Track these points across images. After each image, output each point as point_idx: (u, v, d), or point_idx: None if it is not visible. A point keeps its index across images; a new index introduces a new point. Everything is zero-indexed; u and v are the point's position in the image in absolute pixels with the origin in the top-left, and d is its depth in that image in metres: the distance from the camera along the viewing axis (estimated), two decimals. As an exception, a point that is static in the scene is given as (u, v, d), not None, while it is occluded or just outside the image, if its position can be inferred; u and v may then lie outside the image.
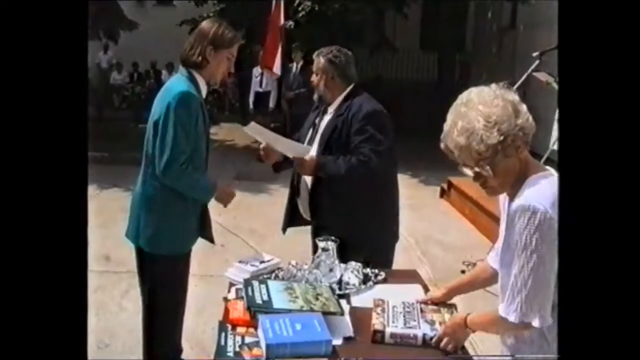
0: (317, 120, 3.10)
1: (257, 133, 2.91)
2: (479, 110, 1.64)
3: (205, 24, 2.76)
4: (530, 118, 1.68)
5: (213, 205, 2.85)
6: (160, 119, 2.62)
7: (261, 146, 2.99)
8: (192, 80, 2.69)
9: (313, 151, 2.95)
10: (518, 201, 1.65)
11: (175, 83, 2.70)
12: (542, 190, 1.64)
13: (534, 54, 4.48)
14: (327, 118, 3.03)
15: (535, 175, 1.71)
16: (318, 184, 2.97)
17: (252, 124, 2.89)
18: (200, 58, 2.68)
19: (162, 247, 2.72)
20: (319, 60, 3.03)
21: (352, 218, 2.89)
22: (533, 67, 4.47)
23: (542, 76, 4.57)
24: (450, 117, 1.72)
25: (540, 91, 5.34)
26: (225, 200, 2.86)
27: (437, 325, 2.02)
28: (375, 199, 2.98)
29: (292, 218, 3.23)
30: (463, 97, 1.72)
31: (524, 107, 1.68)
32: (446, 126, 1.72)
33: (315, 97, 3.11)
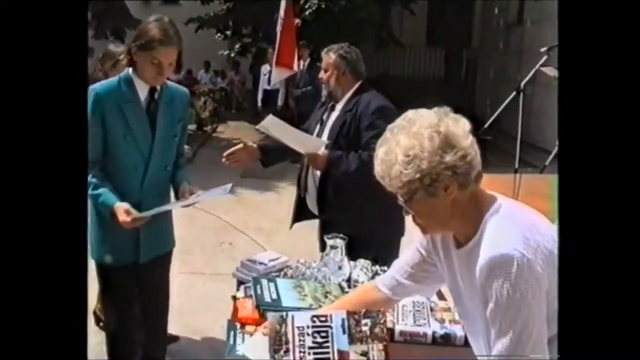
0: (324, 116, 3.12)
1: (273, 126, 2.89)
2: (399, 141, 1.45)
3: (148, 20, 2.50)
4: (471, 156, 1.43)
5: (219, 204, 2.81)
6: None
7: (226, 152, 2.92)
8: (127, 79, 2.45)
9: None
10: (487, 254, 1.41)
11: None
12: (509, 232, 1.42)
13: (542, 50, 4.45)
14: (335, 114, 3.05)
15: (490, 213, 1.48)
16: (326, 179, 2.97)
17: (270, 117, 2.86)
18: (129, 55, 2.46)
19: (94, 254, 2.56)
20: (330, 56, 3.04)
21: (359, 213, 2.88)
22: (541, 62, 4.44)
23: (549, 71, 4.54)
24: (379, 141, 1.54)
25: (548, 86, 5.32)
26: (125, 223, 2.38)
27: (447, 324, 2.01)
28: (382, 194, 2.95)
29: (300, 213, 3.24)
30: (397, 120, 1.53)
31: (464, 143, 1.43)
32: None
33: (325, 93, 3.12)
